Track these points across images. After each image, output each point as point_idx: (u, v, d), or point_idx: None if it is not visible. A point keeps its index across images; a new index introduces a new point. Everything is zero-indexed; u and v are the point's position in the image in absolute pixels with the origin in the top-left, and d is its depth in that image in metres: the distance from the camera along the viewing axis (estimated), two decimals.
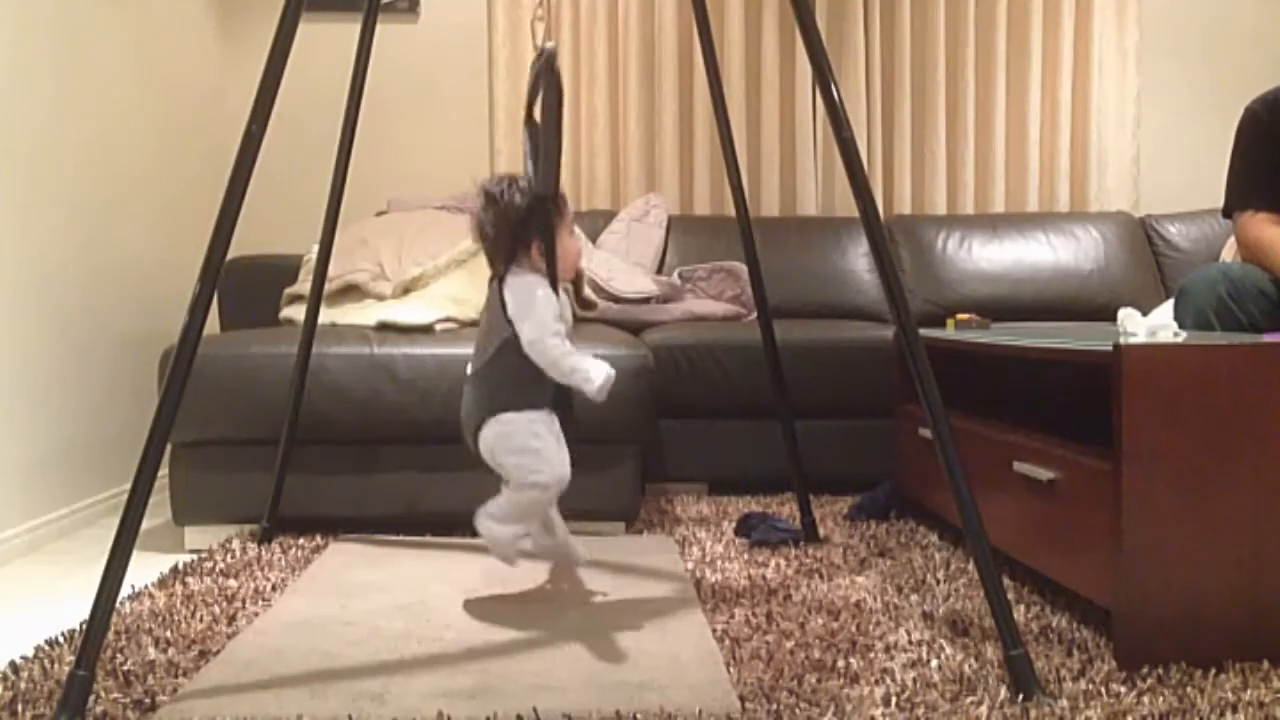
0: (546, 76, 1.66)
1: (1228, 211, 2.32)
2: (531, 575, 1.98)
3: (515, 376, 1.67)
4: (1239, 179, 2.29)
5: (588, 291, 2.91)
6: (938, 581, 1.92)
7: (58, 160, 2.51)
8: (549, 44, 1.68)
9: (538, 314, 1.65)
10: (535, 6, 1.87)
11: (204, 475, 2.31)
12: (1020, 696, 1.35)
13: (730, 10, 3.71)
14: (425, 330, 2.41)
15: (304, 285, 2.71)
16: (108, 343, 2.74)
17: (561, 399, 1.73)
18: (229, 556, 2.13)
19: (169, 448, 1.73)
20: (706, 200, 3.75)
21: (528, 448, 1.68)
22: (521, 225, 1.68)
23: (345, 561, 2.12)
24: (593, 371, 1.64)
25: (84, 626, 1.39)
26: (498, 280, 1.72)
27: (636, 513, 2.43)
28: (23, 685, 1.43)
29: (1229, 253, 3.01)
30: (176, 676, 1.46)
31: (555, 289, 1.69)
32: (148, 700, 1.37)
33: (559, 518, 1.83)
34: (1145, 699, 1.35)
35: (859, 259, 3.52)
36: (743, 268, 3.29)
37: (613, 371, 1.66)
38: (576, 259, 1.76)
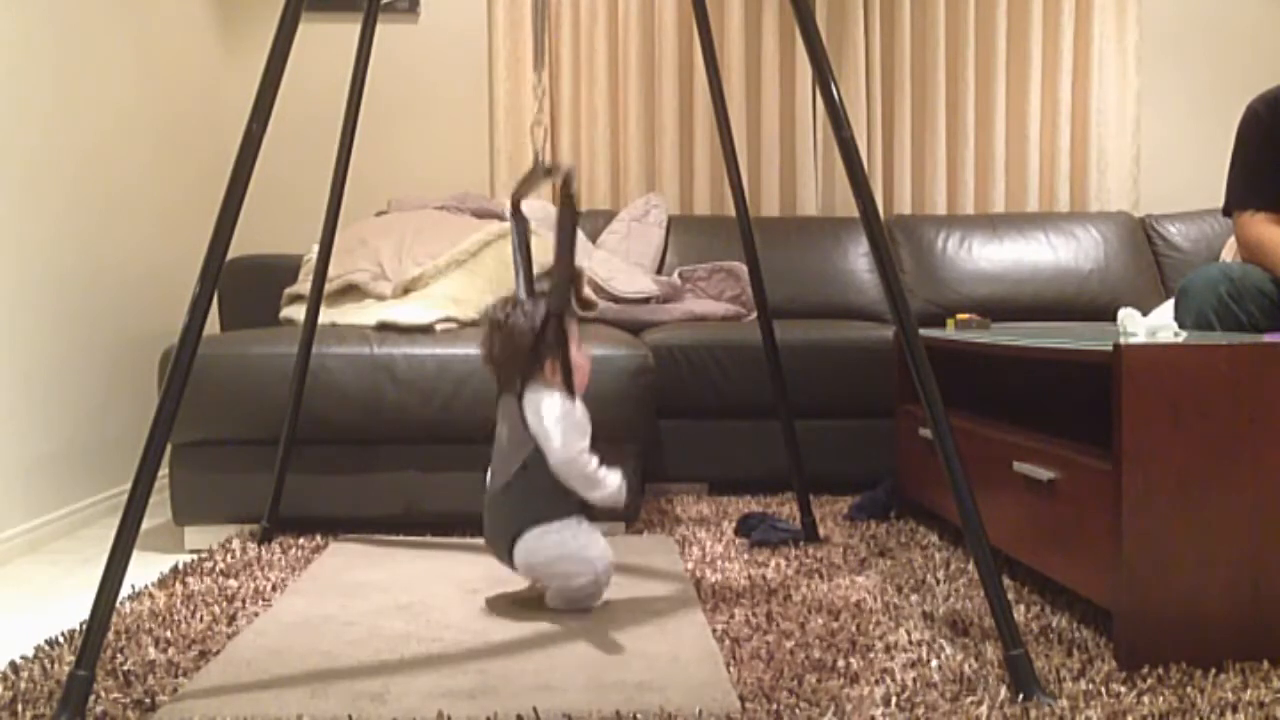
0: (563, 199, 1.67)
1: (1228, 210, 2.32)
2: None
3: (542, 489, 1.70)
4: (1239, 178, 2.29)
5: (588, 291, 2.91)
6: (938, 581, 1.92)
7: (58, 160, 2.51)
8: (567, 167, 1.69)
9: (562, 431, 1.66)
10: (536, 113, 1.87)
11: (204, 475, 2.31)
12: (1020, 696, 1.35)
13: (730, 10, 3.71)
14: (425, 330, 2.41)
15: (304, 285, 2.71)
16: (108, 343, 2.74)
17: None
18: (229, 556, 2.13)
19: (169, 448, 1.73)
20: (706, 200, 3.75)
21: (563, 556, 1.71)
22: (536, 344, 1.69)
23: (345, 561, 2.12)
24: (614, 482, 1.69)
25: (84, 626, 1.39)
26: (515, 397, 1.73)
27: (636, 513, 2.43)
28: (23, 685, 1.43)
29: (1229, 253, 3.01)
30: (176, 676, 1.46)
31: (573, 402, 1.70)
32: (148, 700, 1.37)
33: None
34: (1145, 699, 1.35)
35: (859, 259, 3.52)
36: (743, 268, 3.29)
37: (624, 486, 1.72)
38: (585, 375, 1.77)
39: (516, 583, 1.93)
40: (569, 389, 1.70)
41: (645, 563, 2.08)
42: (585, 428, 1.70)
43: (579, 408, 1.72)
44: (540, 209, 3.43)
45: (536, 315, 1.71)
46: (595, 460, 1.68)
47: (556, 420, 1.67)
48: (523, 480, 1.71)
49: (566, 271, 1.70)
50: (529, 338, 1.69)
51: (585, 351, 1.79)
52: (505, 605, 1.81)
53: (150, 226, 3.02)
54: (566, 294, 1.71)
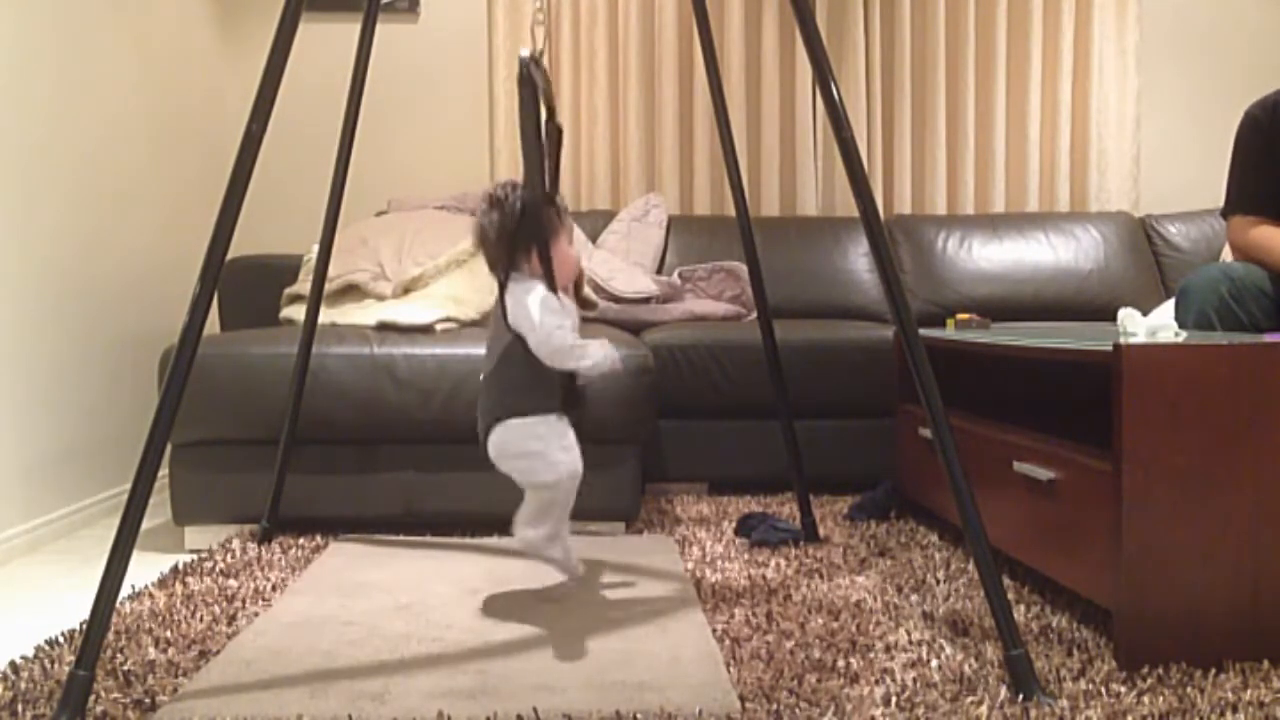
0: (523, 85, 1.66)
1: (1224, 214, 2.33)
2: (531, 575, 1.98)
3: (518, 382, 1.69)
4: (1236, 183, 2.29)
5: (588, 291, 2.91)
6: (938, 581, 1.92)
7: (58, 160, 2.51)
8: (524, 51, 1.68)
9: (540, 313, 1.66)
10: (535, 11, 1.87)
11: (204, 475, 2.31)
12: (1020, 696, 1.35)
13: (730, 10, 3.71)
14: (425, 330, 2.41)
15: (304, 285, 2.71)
16: (108, 343, 2.74)
17: (573, 397, 1.74)
18: (229, 556, 2.13)
19: (169, 448, 1.73)
20: (706, 200, 3.75)
21: (528, 451, 1.70)
22: (518, 231, 1.69)
23: (345, 561, 2.12)
24: (596, 353, 1.67)
25: (84, 626, 1.39)
26: (499, 288, 1.73)
27: (636, 513, 2.43)
28: (23, 685, 1.43)
29: (1229, 253, 3.01)
30: (176, 676, 1.46)
31: (554, 294, 1.70)
32: (148, 700, 1.37)
33: (566, 527, 1.83)
34: (1145, 699, 1.35)
35: (859, 259, 3.52)
36: (743, 268, 3.29)
37: (615, 353, 1.69)
38: (574, 267, 1.77)
39: (517, 583, 1.94)
40: (550, 279, 1.68)
41: (645, 563, 2.08)
42: (564, 313, 1.68)
43: (564, 300, 1.71)
44: None
45: (535, 203, 1.70)
46: (573, 337, 1.67)
47: (534, 306, 1.66)
48: (501, 371, 1.71)
49: (536, 157, 1.67)
50: (518, 220, 1.68)
51: (573, 247, 1.77)
52: (505, 605, 1.81)
53: (150, 226, 3.02)
54: (541, 180, 1.69)
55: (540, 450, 1.69)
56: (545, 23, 1.85)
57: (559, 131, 1.90)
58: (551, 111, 1.90)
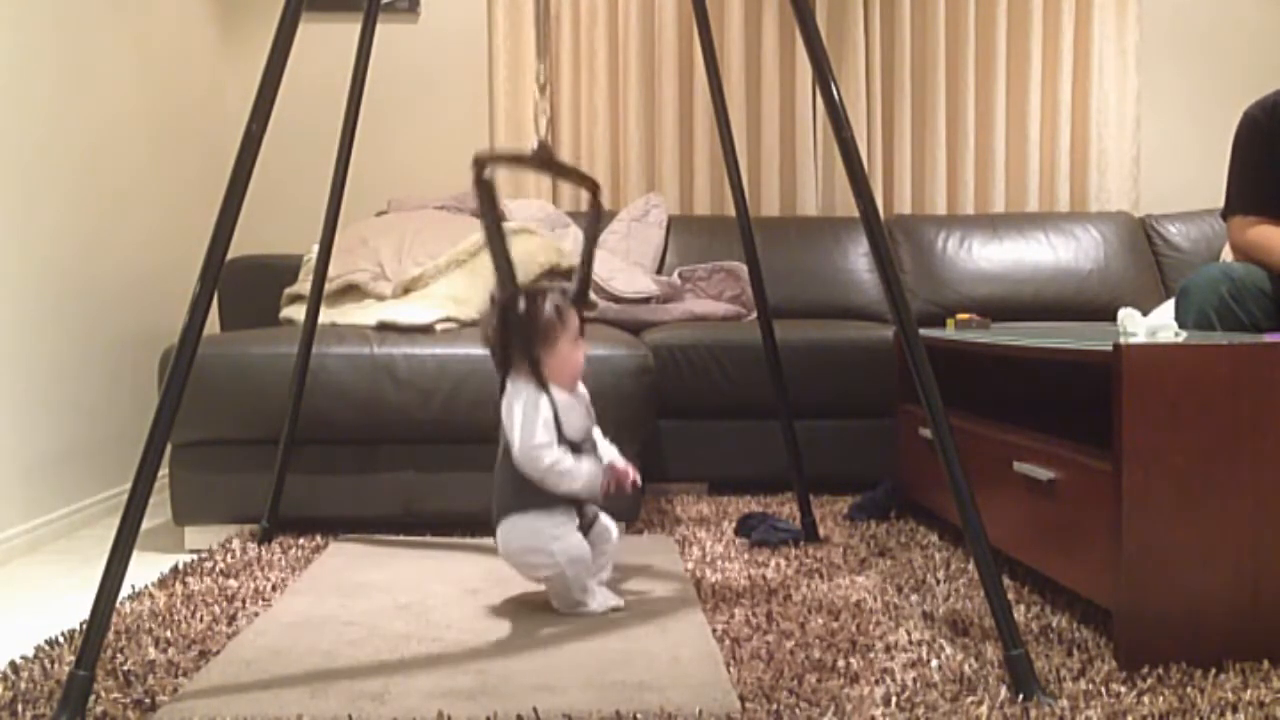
0: (479, 186, 1.64)
1: (1224, 215, 2.33)
2: None
3: (516, 479, 1.70)
4: (1235, 184, 2.29)
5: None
6: (938, 581, 1.92)
7: (58, 160, 2.51)
8: (481, 150, 1.66)
9: (520, 425, 1.67)
10: (537, 100, 1.88)
11: (204, 475, 2.31)
12: (1020, 696, 1.35)
13: (730, 10, 3.71)
14: (425, 330, 2.41)
15: (304, 285, 2.71)
16: (108, 343, 2.74)
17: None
18: (229, 556, 2.13)
19: (169, 448, 1.73)
20: (706, 200, 3.75)
21: (526, 548, 1.72)
22: (510, 337, 1.70)
23: (345, 561, 2.12)
24: (579, 475, 1.68)
25: (84, 626, 1.39)
26: (499, 387, 1.74)
27: (636, 513, 2.43)
28: (23, 685, 1.43)
29: (1229, 253, 3.01)
30: (176, 676, 1.46)
31: (549, 396, 1.69)
32: (148, 700, 1.37)
33: (605, 571, 1.84)
34: (1145, 699, 1.35)
35: (859, 259, 3.52)
36: (743, 268, 3.29)
37: (600, 475, 1.71)
38: (576, 369, 1.76)
39: (516, 583, 1.93)
40: (539, 382, 1.68)
41: (645, 563, 2.08)
42: (550, 423, 1.67)
43: (567, 401, 1.71)
44: (539, 208, 3.43)
45: (536, 303, 1.70)
46: (556, 455, 1.67)
47: (518, 414, 1.67)
48: (504, 467, 1.72)
49: (504, 259, 1.67)
50: (510, 325, 1.69)
51: (582, 347, 1.77)
52: (505, 605, 1.81)
53: (150, 226, 3.02)
54: (513, 282, 1.68)
55: (535, 545, 1.71)
56: (549, 112, 1.86)
57: (599, 212, 1.93)
58: (595, 190, 1.93)
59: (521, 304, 1.69)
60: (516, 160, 1.88)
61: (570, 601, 1.75)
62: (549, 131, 1.83)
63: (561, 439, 1.69)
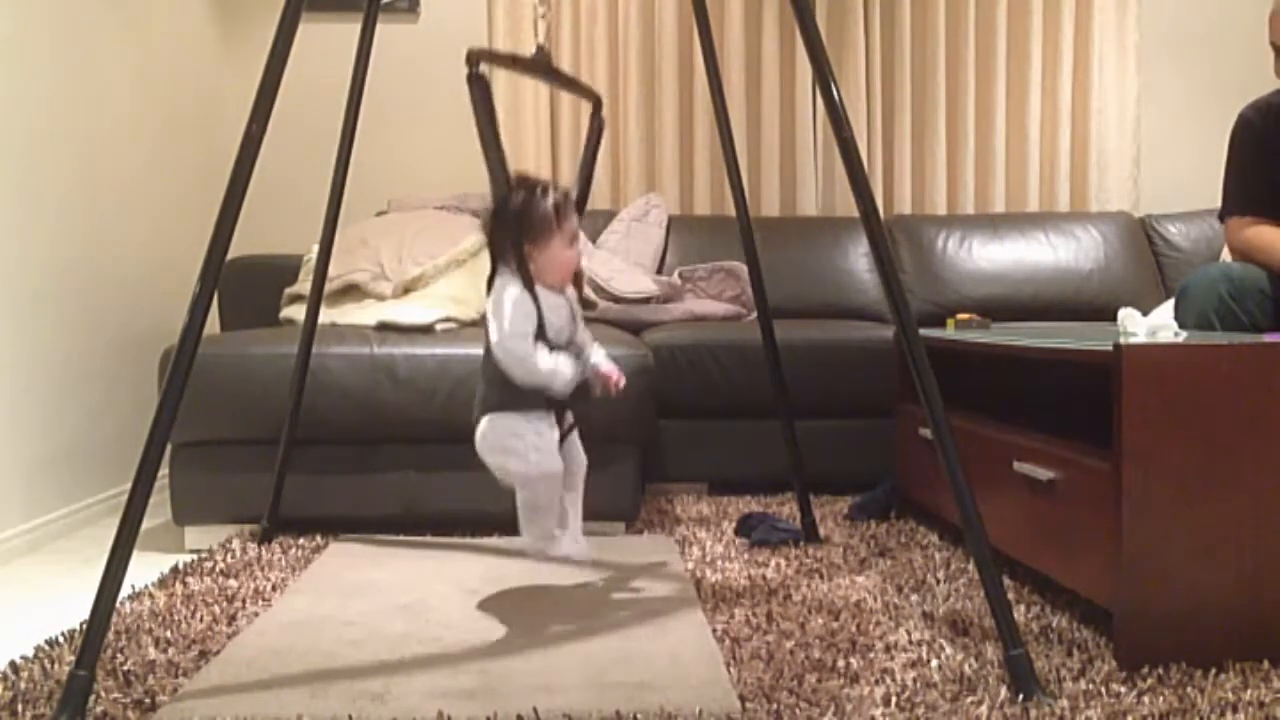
0: (473, 83, 1.65)
1: (1222, 217, 2.33)
2: (531, 575, 1.98)
3: (499, 377, 1.69)
4: (1232, 185, 2.30)
5: (588, 291, 2.91)
6: (938, 581, 1.92)
7: (58, 160, 2.51)
8: (473, 49, 1.66)
9: (503, 316, 1.66)
10: (536, 4, 1.88)
11: (204, 475, 2.31)
12: (1020, 696, 1.35)
13: (730, 10, 3.71)
14: (425, 330, 2.41)
15: (304, 285, 2.71)
16: (108, 343, 2.74)
17: (580, 390, 1.73)
18: (229, 556, 2.13)
19: (169, 448, 1.73)
20: (706, 200, 3.75)
21: (503, 447, 1.70)
22: (499, 230, 1.69)
23: (345, 561, 2.12)
24: (557, 372, 1.66)
25: (84, 626, 1.39)
26: (487, 281, 1.74)
27: (636, 513, 2.43)
28: (23, 685, 1.43)
29: (1228, 254, 3.01)
30: (176, 676, 1.46)
31: (533, 292, 1.68)
32: (148, 700, 1.37)
33: (575, 515, 1.82)
34: (1145, 699, 1.35)
35: (859, 259, 3.52)
36: (743, 268, 3.29)
37: (578, 373, 1.69)
38: (566, 268, 1.75)
39: (516, 583, 1.94)
40: (525, 277, 1.67)
41: (645, 563, 2.08)
42: (546, 318, 1.67)
43: (553, 300, 1.70)
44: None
45: (532, 198, 1.69)
46: (533, 348, 1.65)
47: (501, 306, 1.66)
48: (486, 365, 1.71)
49: (496, 160, 1.67)
50: (501, 219, 1.69)
51: (576, 248, 1.76)
52: (505, 605, 1.81)
53: (150, 226, 3.02)
54: (506, 181, 1.68)
55: (513, 447, 1.69)
56: (548, 16, 1.86)
57: (600, 126, 1.94)
58: (597, 104, 1.94)
59: (518, 197, 1.68)
60: (513, 62, 1.88)
61: (539, 531, 1.73)
62: (548, 37, 1.83)
63: (543, 336, 1.67)
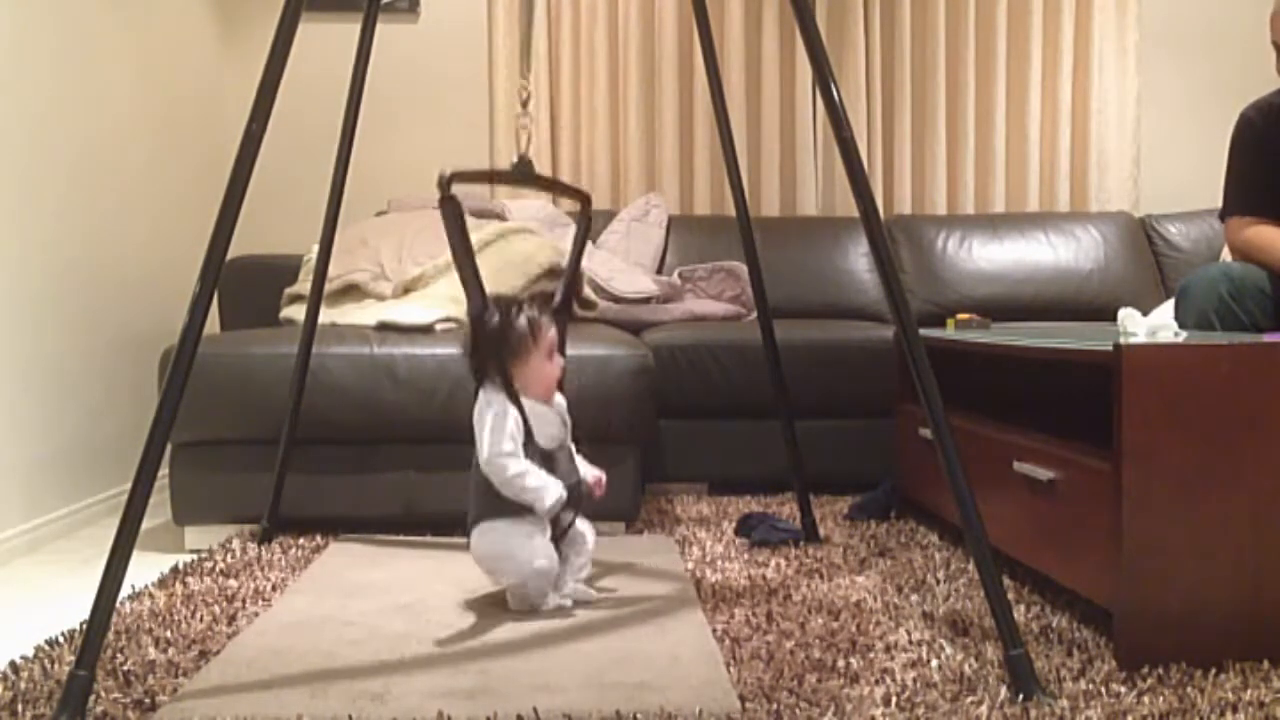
0: (444, 203, 1.67)
1: (1223, 217, 2.33)
2: None
3: (487, 488, 1.72)
4: (1232, 185, 2.30)
5: (588, 291, 2.91)
6: (938, 581, 1.92)
7: (57, 160, 2.51)
8: (445, 172, 1.67)
9: (489, 434, 1.69)
10: (518, 116, 1.89)
11: (204, 475, 2.31)
12: (1020, 696, 1.35)
13: (730, 10, 3.71)
14: (425, 330, 2.41)
15: (304, 285, 2.71)
16: (108, 343, 2.74)
17: (574, 494, 1.76)
18: (229, 556, 2.13)
19: (169, 448, 1.73)
20: (706, 200, 3.75)
21: (494, 554, 1.75)
22: (479, 349, 1.72)
23: (345, 561, 2.12)
24: (544, 493, 1.69)
25: (84, 626, 1.39)
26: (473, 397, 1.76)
27: (636, 513, 2.43)
28: (23, 685, 1.43)
29: (1229, 254, 3.01)
30: (176, 676, 1.46)
31: (519, 406, 1.71)
32: (148, 700, 1.37)
33: (572, 579, 1.84)
34: (1145, 699, 1.35)
35: (859, 259, 3.52)
36: (743, 268, 3.29)
37: (564, 495, 1.71)
38: (549, 382, 1.77)
39: None
40: (510, 394, 1.71)
41: (645, 563, 2.08)
42: (517, 434, 1.69)
43: (540, 411, 1.73)
44: (539, 208, 3.43)
45: (508, 316, 1.72)
46: (521, 466, 1.69)
47: (485, 423, 1.69)
48: (477, 474, 1.74)
49: (471, 275, 1.70)
50: (482, 337, 1.72)
51: (558, 360, 1.79)
52: (505, 605, 1.81)
53: (150, 226, 3.02)
54: (482, 297, 1.71)
55: (503, 554, 1.74)
56: (530, 126, 1.87)
57: (587, 223, 1.97)
58: (586, 202, 1.97)
59: (494, 317, 1.71)
60: (489, 177, 1.90)
61: (525, 605, 1.77)
62: (528, 146, 1.84)
63: (533, 448, 1.71)
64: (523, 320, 1.72)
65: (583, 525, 1.83)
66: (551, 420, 1.77)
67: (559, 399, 1.82)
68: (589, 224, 1.99)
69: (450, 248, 1.70)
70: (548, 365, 1.76)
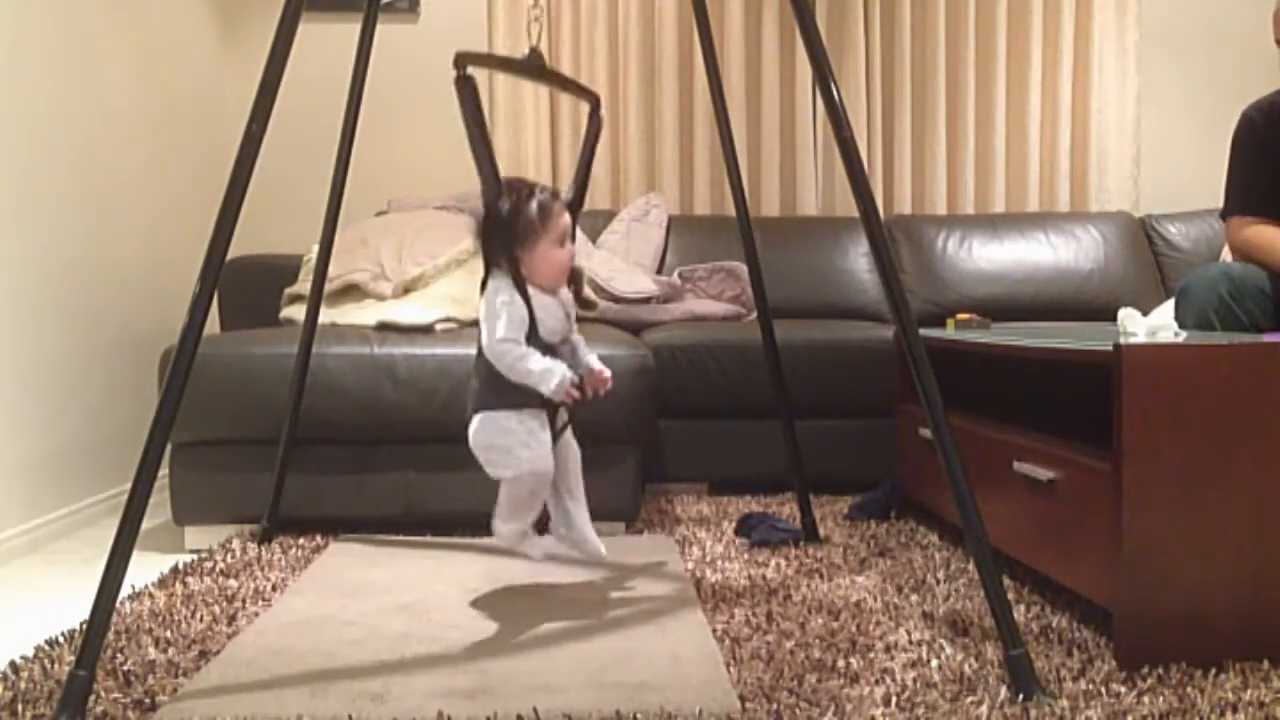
0: (461, 84, 1.66)
1: (1223, 216, 2.33)
2: (531, 575, 1.98)
3: (490, 376, 1.70)
4: (1233, 184, 2.30)
5: (588, 291, 2.91)
6: (938, 581, 1.92)
7: (57, 160, 2.51)
8: (461, 51, 1.67)
9: (495, 319, 1.67)
10: (530, 6, 1.88)
11: (204, 475, 2.31)
12: (1020, 696, 1.35)
13: (730, 10, 3.71)
14: (425, 330, 2.41)
15: (304, 285, 2.71)
16: (108, 343, 2.74)
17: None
18: (229, 556, 2.13)
19: (169, 448, 1.73)
20: (706, 200, 3.75)
21: (493, 444, 1.72)
22: (488, 233, 1.71)
23: (345, 561, 2.12)
24: (549, 375, 1.67)
25: (84, 626, 1.39)
26: (481, 283, 1.75)
27: (636, 513, 2.43)
28: (23, 685, 1.43)
29: (1229, 253, 3.01)
30: (176, 676, 1.46)
31: (525, 294, 1.69)
32: (148, 700, 1.37)
33: (579, 512, 1.84)
34: (1145, 699, 1.35)
35: (859, 259, 3.52)
36: (743, 268, 3.29)
37: (569, 376, 1.68)
38: (558, 268, 1.75)
39: (517, 583, 1.94)
40: (517, 280, 1.69)
41: (645, 563, 2.08)
42: (539, 319, 1.68)
43: (545, 301, 1.71)
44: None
45: (519, 201, 1.70)
46: (523, 350, 1.67)
47: (493, 309, 1.67)
48: (477, 366, 1.74)
49: (485, 157, 1.69)
50: (492, 222, 1.70)
51: (569, 248, 1.76)
52: (505, 605, 1.81)
53: (150, 226, 3.02)
54: (496, 181, 1.70)
55: (504, 445, 1.71)
56: (541, 18, 1.86)
57: (598, 125, 1.96)
58: (596, 104, 1.96)
59: (505, 202, 1.69)
60: (503, 64, 1.88)
61: (514, 526, 1.75)
62: (540, 38, 1.82)
63: (535, 338, 1.69)
64: (533, 205, 1.71)
65: (570, 437, 1.82)
66: (556, 312, 1.74)
67: (565, 291, 1.79)
68: (600, 126, 1.99)
69: (465, 127, 1.68)
70: (557, 251, 1.74)
